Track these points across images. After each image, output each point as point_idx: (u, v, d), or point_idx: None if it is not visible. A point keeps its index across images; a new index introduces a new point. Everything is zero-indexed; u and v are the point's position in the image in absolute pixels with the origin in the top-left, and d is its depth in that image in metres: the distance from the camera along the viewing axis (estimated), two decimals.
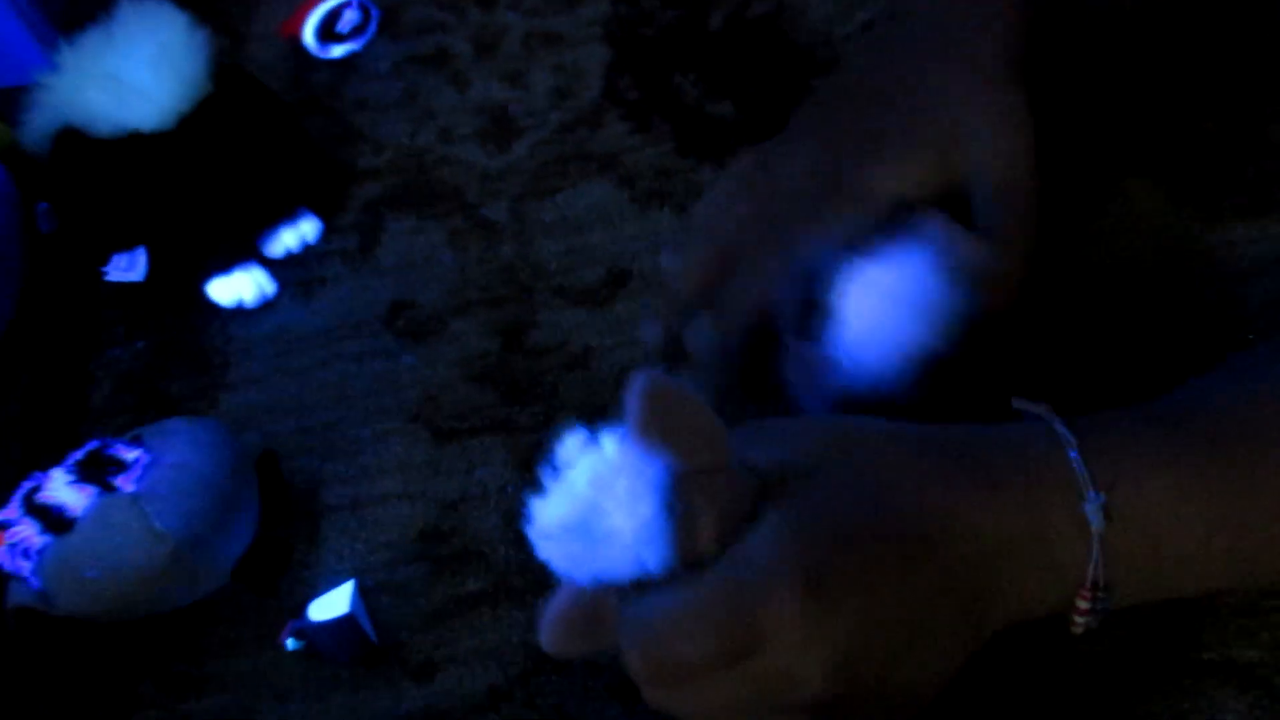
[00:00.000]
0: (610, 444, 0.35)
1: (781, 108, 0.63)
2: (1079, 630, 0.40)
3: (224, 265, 0.59)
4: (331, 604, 0.50)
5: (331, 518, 0.54)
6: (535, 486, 0.36)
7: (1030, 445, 0.39)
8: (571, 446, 0.35)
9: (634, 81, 0.67)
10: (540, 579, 0.51)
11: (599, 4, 0.71)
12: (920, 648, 0.37)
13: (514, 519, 0.53)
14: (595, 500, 0.34)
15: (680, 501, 0.34)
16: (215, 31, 0.60)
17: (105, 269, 0.57)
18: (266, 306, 0.61)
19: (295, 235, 0.61)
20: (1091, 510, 0.38)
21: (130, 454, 0.49)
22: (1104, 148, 0.56)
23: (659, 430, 0.34)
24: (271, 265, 0.61)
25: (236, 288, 0.59)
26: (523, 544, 0.53)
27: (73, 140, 0.55)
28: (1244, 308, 0.51)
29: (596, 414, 0.55)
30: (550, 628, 0.38)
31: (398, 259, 0.62)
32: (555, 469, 0.35)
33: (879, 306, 0.43)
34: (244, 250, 0.59)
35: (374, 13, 0.71)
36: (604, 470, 0.34)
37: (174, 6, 0.58)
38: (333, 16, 0.70)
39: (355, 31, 0.70)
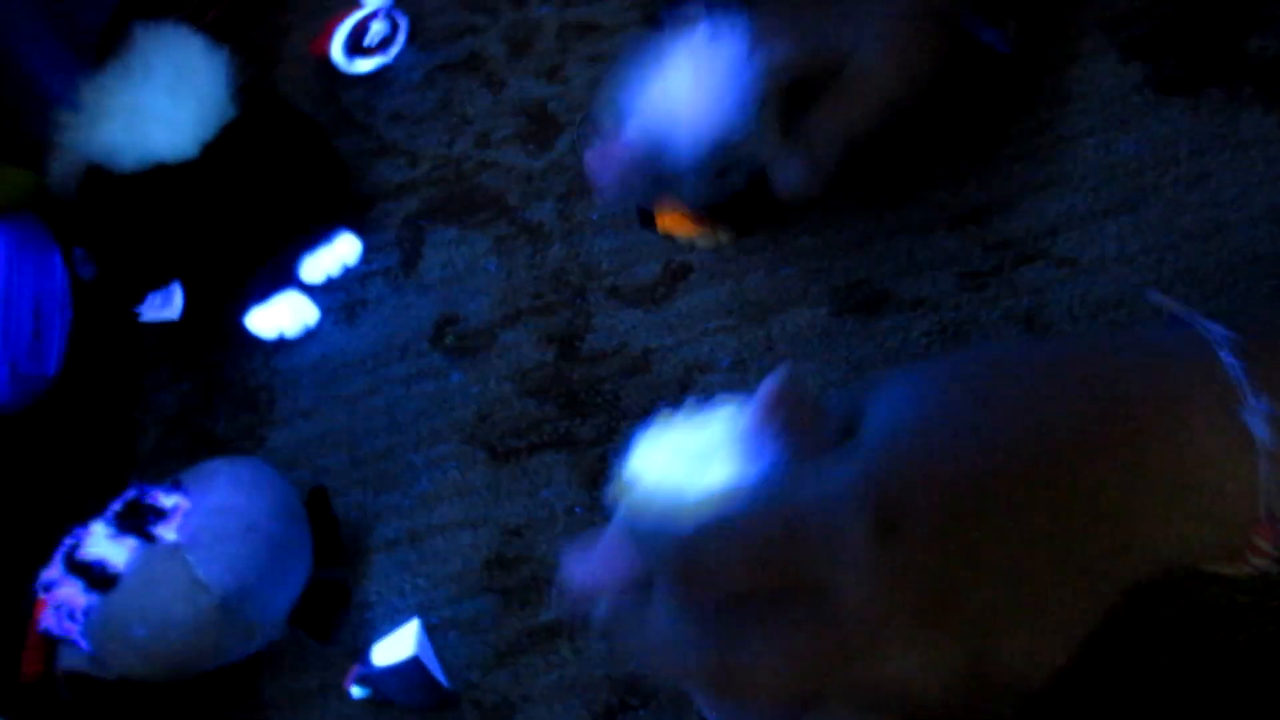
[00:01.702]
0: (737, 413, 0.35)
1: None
2: (1253, 572, 0.32)
3: (262, 294, 0.56)
4: (396, 646, 0.46)
5: (390, 553, 0.51)
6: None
7: (1174, 351, 0.32)
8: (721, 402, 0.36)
9: None
10: None
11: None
12: (1030, 606, 0.30)
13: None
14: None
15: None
16: (246, 59, 0.58)
17: (139, 308, 0.54)
18: (310, 335, 0.57)
19: (334, 259, 0.58)
20: (1254, 420, 0.30)
21: (169, 500, 0.46)
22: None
23: (776, 424, 0.33)
24: (312, 292, 0.58)
25: (277, 318, 0.56)
26: None
27: (97, 178, 0.53)
28: None
29: None
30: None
31: (441, 273, 0.58)
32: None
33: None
34: (281, 277, 0.57)
35: (402, 22, 0.67)
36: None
37: (190, 30, 0.55)
38: (360, 30, 0.67)
39: (384, 43, 0.67)
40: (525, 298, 0.56)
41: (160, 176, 0.52)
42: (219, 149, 0.52)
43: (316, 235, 0.57)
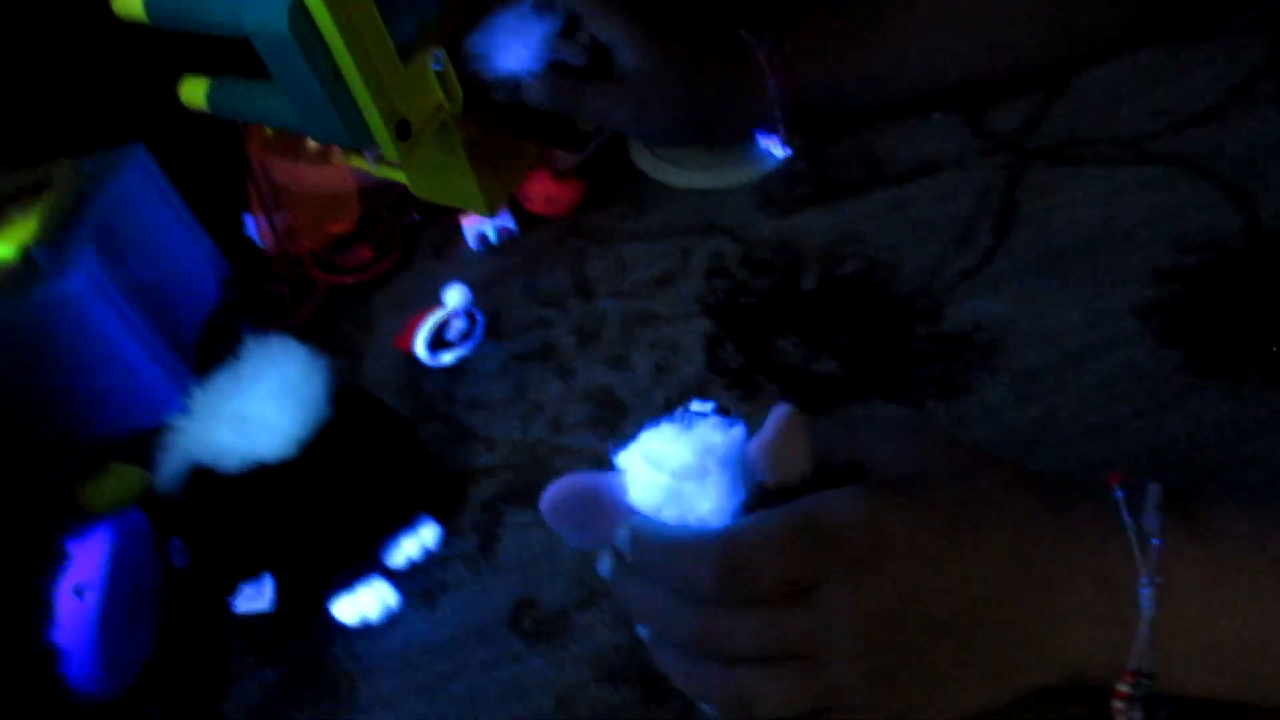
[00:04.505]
0: (736, 433, 0.42)
1: (885, 358, 0.62)
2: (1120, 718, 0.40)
3: (348, 582, 0.59)
4: None
5: None
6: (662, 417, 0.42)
7: (1108, 510, 0.40)
8: (707, 413, 0.42)
9: (736, 349, 0.67)
10: None
11: (693, 280, 0.72)
12: (954, 644, 0.39)
13: None
14: (699, 468, 0.41)
15: (757, 506, 0.41)
16: (335, 352, 0.63)
17: (233, 600, 0.57)
18: (391, 621, 0.59)
19: (416, 543, 0.61)
20: (1145, 594, 0.38)
21: None
22: None
23: (776, 458, 0.41)
24: (394, 576, 0.61)
25: (361, 605, 0.58)
26: None
27: (202, 478, 0.57)
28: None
29: None
30: (560, 501, 0.42)
31: (518, 556, 0.61)
32: (688, 415, 0.42)
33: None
34: (367, 564, 0.59)
35: (480, 318, 0.73)
36: (716, 451, 0.41)
37: (294, 340, 0.61)
38: (442, 326, 0.73)
39: (463, 338, 0.72)
40: (599, 579, 0.58)
41: (262, 477, 0.56)
42: (316, 449, 0.57)
43: (401, 523, 0.60)
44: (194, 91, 0.71)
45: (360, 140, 0.65)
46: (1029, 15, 0.69)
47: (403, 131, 0.65)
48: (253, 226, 0.86)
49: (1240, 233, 0.60)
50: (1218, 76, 0.68)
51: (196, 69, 0.73)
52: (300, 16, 0.58)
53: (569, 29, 0.71)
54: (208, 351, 0.78)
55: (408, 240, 0.84)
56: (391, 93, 0.64)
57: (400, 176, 0.73)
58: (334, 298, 0.82)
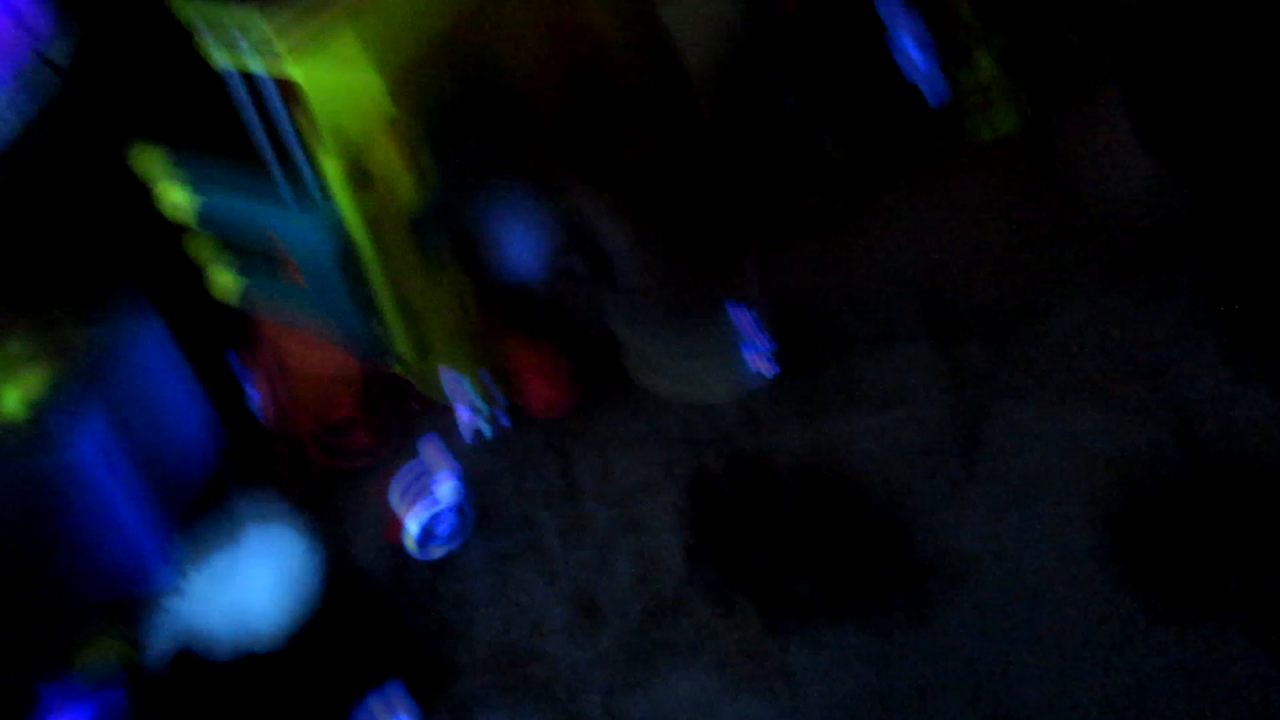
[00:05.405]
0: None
1: (856, 582, 0.64)
2: None
3: None
4: None
5: None
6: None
7: None
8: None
9: (715, 563, 0.69)
10: None
11: (676, 491, 0.75)
12: None
13: None
14: None
15: None
16: (326, 534, 0.65)
17: None
18: None
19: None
20: None
21: None
22: None
23: None
24: None
25: None
26: None
27: (189, 662, 0.58)
28: None
29: None
30: None
31: None
32: None
33: None
34: None
35: (469, 514, 0.76)
36: None
37: (292, 528, 0.63)
38: (432, 519, 0.75)
39: (453, 534, 0.75)
40: None
41: (249, 667, 0.57)
42: (304, 641, 0.58)
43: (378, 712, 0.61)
44: (227, 284, 0.75)
45: (385, 354, 0.69)
46: (993, 258, 0.76)
47: (423, 351, 0.70)
48: (255, 401, 0.89)
49: (1186, 474, 0.64)
50: (1168, 324, 0.74)
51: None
52: (347, 255, 0.63)
53: (573, 242, 0.77)
54: (203, 522, 0.79)
55: (404, 427, 0.87)
56: (418, 314, 0.68)
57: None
58: (329, 477, 0.84)
